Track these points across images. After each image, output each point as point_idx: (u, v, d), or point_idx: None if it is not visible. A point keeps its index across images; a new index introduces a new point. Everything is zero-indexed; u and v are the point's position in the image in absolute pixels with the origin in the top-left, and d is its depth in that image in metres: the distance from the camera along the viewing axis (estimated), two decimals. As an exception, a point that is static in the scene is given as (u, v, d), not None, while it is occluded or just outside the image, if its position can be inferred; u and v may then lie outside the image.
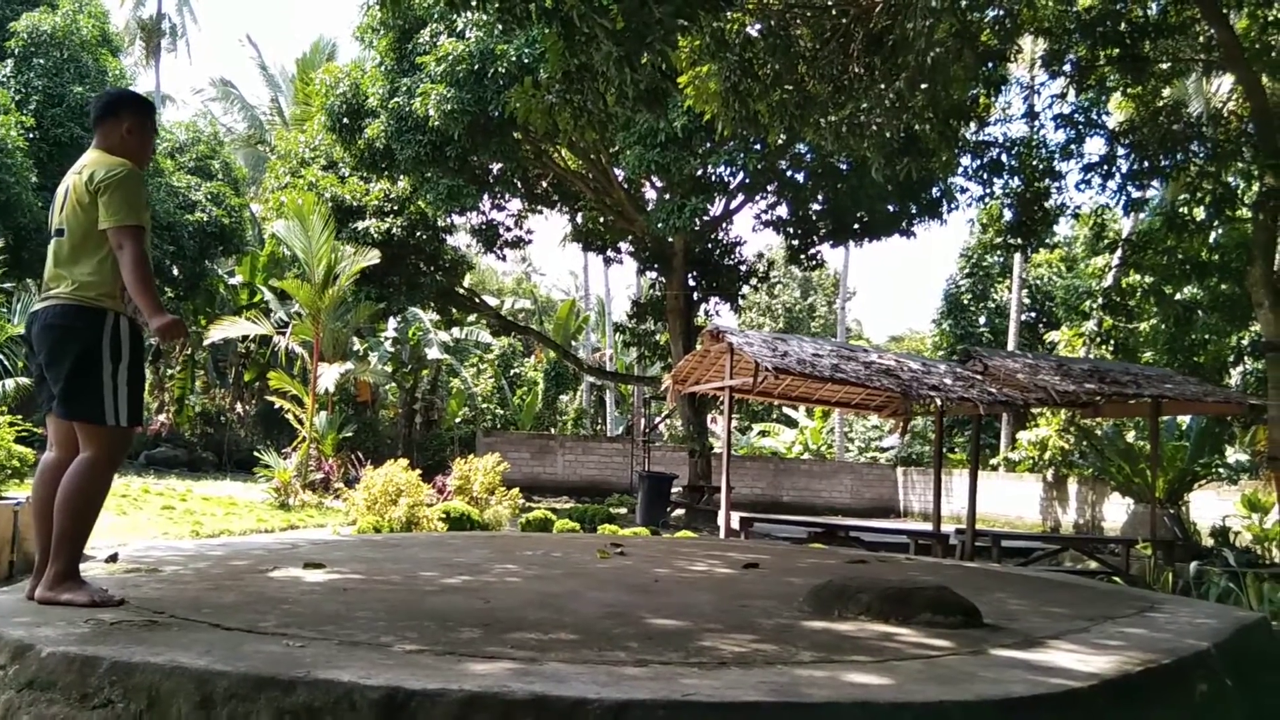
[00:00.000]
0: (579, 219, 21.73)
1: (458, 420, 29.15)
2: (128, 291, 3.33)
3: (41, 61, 20.79)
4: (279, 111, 35.04)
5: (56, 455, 3.40)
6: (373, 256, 17.35)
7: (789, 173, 18.09)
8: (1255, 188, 11.19)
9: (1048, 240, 23.13)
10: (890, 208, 17.78)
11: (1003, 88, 13.11)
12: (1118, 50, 11.27)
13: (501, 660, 2.62)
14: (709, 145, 14.88)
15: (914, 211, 17.89)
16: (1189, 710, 3.02)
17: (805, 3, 8.09)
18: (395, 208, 19.41)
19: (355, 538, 8.59)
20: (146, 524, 11.03)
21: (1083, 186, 13.07)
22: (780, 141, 14.25)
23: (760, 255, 22.60)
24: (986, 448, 25.50)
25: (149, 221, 3.44)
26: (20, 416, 10.07)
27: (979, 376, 12.55)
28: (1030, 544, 14.29)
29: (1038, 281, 30.62)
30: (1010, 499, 22.92)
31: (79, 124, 20.76)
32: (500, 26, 13.80)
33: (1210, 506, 16.33)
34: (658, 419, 27.07)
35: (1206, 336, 16.58)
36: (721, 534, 13.19)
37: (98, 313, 3.31)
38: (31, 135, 19.69)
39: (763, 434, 32.64)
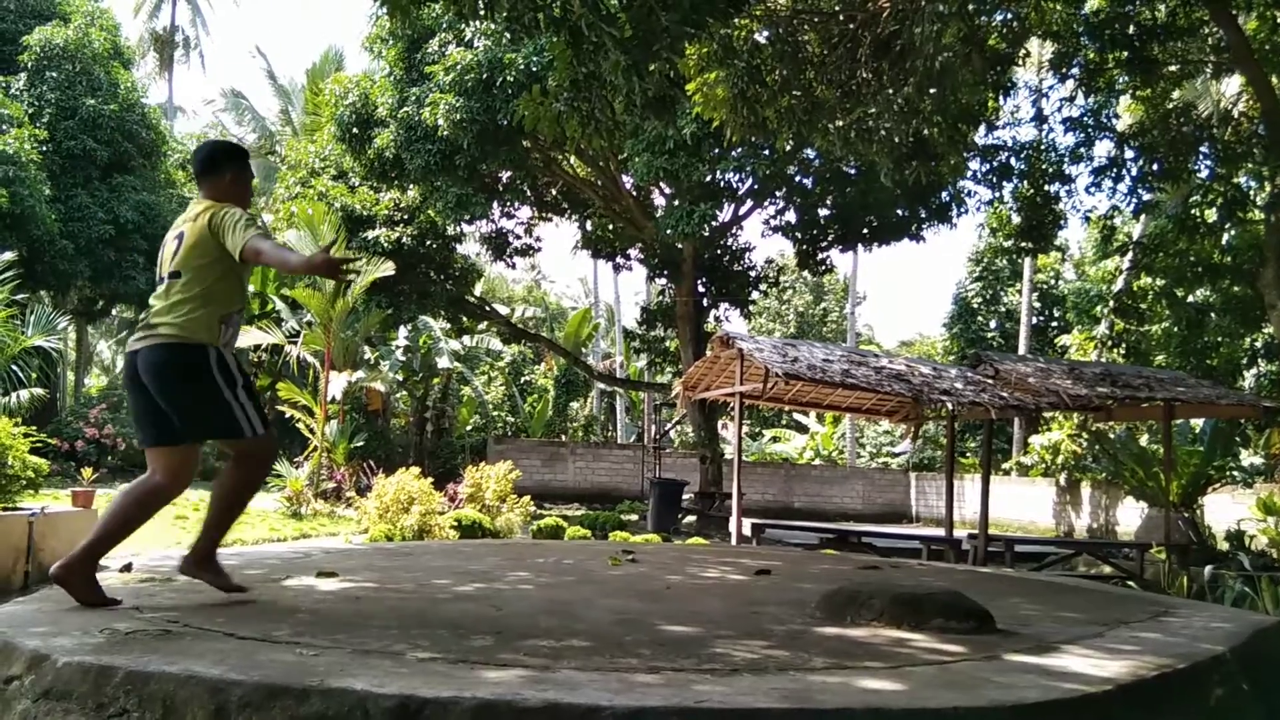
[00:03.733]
0: (588, 226, 21.76)
1: (469, 428, 29.19)
2: (230, 322, 3.70)
3: (54, 75, 20.95)
4: (289, 121, 35.22)
5: (156, 481, 3.67)
6: (387, 267, 17.40)
7: (797, 178, 18.08)
8: (1267, 189, 11.15)
9: (1057, 244, 23.09)
10: (899, 212, 17.76)
11: (1011, 91, 13.09)
12: (1126, 53, 11.26)
13: (514, 668, 2.63)
14: (717, 151, 14.89)
15: (923, 216, 17.86)
16: (1204, 715, 3.00)
17: (813, 9, 8.10)
18: (405, 217, 19.47)
19: (367, 546, 8.62)
20: (160, 534, 11.08)
21: (1092, 190, 13.05)
22: (788, 147, 14.20)
23: (770, 261, 22.60)
24: (999, 452, 25.40)
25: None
26: (34, 427, 10.12)
27: (990, 381, 12.51)
28: (1043, 549, 14.22)
29: (1047, 285, 30.55)
30: (1023, 503, 22.82)
31: (91, 136, 20.90)
32: (508, 35, 13.87)
33: (1225, 510, 16.22)
34: (668, 425, 27.07)
35: (1219, 339, 16.52)
36: (733, 540, 13.18)
37: (199, 348, 3.59)
38: (45, 148, 19.83)
39: (774, 440, 32.59)
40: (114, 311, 28.53)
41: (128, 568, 4.75)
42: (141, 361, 3.59)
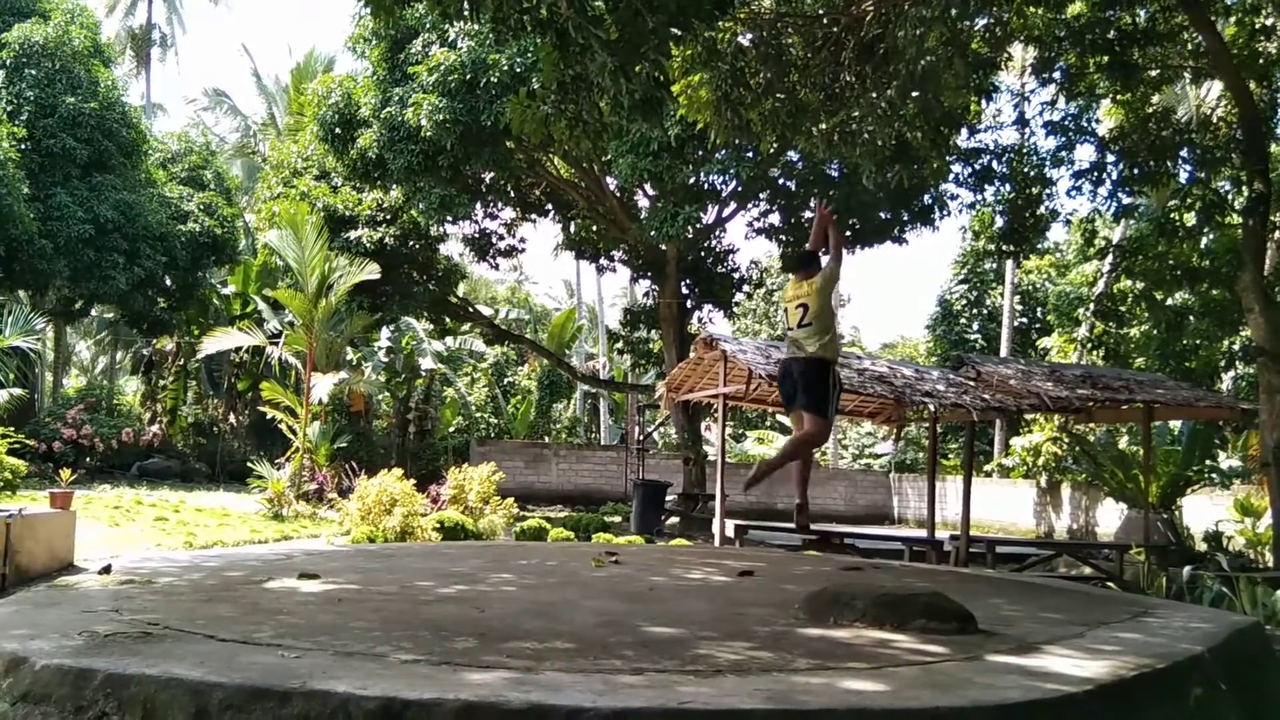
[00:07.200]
0: (572, 227, 21.75)
1: (451, 429, 29.09)
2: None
3: (33, 72, 20.73)
4: (272, 121, 35.00)
5: (799, 432, 6.49)
6: (372, 270, 17.30)
7: (781, 180, 18.12)
8: (1244, 193, 11.24)
9: (1039, 246, 23.22)
10: (882, 215, 17.82)
11: (993, 95, 13.17)
12: (1107, 57, 11.34)
13: (497, 670, 2.62)
14: (701, 154, 14.91)
15: (905, 218, 17.94)
16: (1183, 714, 3.02)
17: (797, 12, 8.12)
18: (388, 217, 19.39)
19: (350, 548, 8.58)
20: (140, 535, 10.99)
21: (1074, 193, 13.13)
22: (772, 150, 14.26)
23: (754, 262, 22.66)
24: (980, 454, 25.53)
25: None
26: (12, 428, 10.02)
27: (972, 383, 12.58)
28: (1024, 550, 14.30)
29: (1033, 288, 30.75)
30: (1004, 505, 22.95)
31: (71, 134, 20.69)
32: (493, 36, 13.83)
33: (1203, 511, 16.36)
34: (652, 427, 27.08)
35: (1198, 342, 16.65)
36: (716, 542, 13.19)
37: (830, 365, 6.43)
38: (23, 146, 19.63)
39: (757, 441, 32.65)
40: (93, 312, 28.24)
41: (107, 569, 4.71)
42: (797, 365, 6.46)
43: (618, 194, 18.97)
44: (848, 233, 18.79)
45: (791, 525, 16.40)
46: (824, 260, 6.65)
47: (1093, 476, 19.56)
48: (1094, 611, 4.39)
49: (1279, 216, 11.53)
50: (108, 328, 32.60)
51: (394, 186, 18.23)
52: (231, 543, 11.07)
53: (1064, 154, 13.48)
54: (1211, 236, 14.41)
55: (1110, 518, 19.75)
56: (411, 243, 19.89)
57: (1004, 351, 26.50)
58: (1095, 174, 12.87)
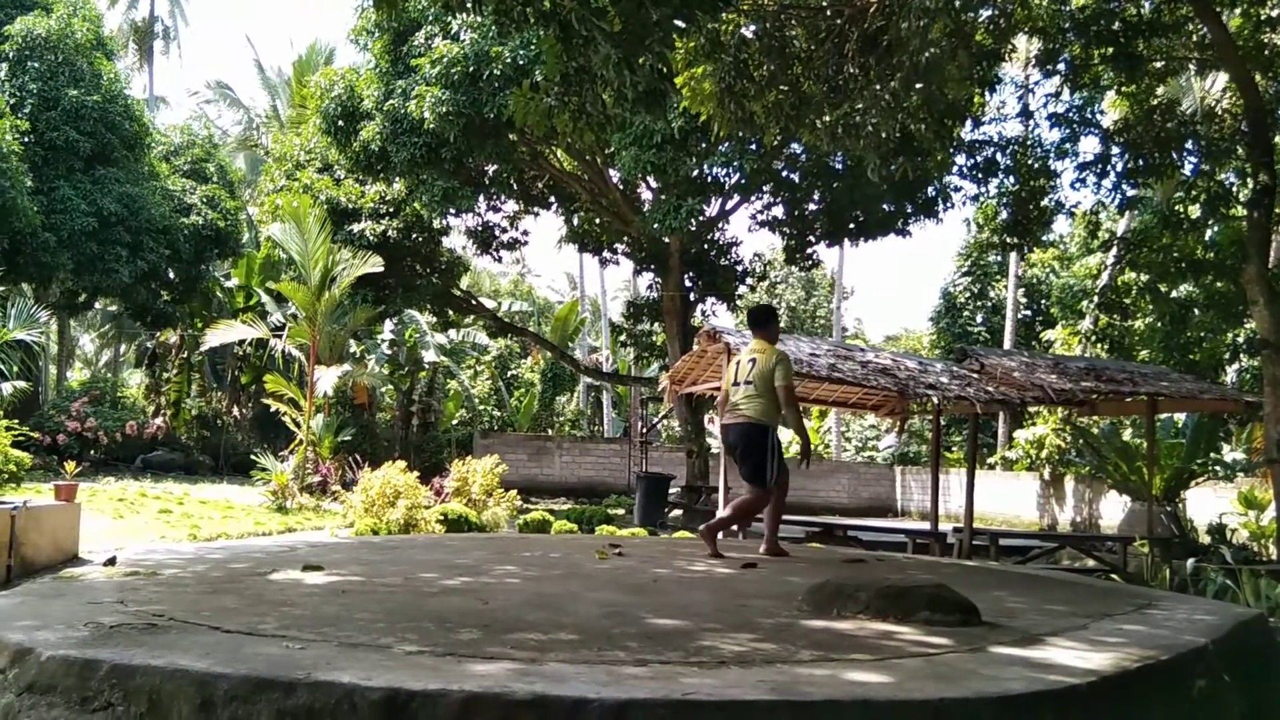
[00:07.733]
0: (575, 220, 21.73)
1: (455, 422, 29.12)
2: (783, 411, 6.37)
3: (36, 65, 20.72)
4: (275, 114, 34.99)
5: (744, 495, 6.69)
6: (375, 263, 17.29)
7: (784, 173, 18.08)
8: (1249, 185, 11.20)
9: (1044, 239, 23.20)
10: (886, 207, 17.78)
11: (997, 87, 13.12)
12: (1112, 49, 11.28)
13: (502, 661, 2.63)
14: (705, 146, 14.87)
15: (909, 211, 17.89)
16: (1187, 706, 3.03)
17: (800, 3, 8.10)
18: (391, 210, 19.38)
19: (353, 540, 8.61)
20: (144, 527, 11.01)
21: (1078, 185, 13.11)
22: (776, 142, 14.24)
23: (757, 255, 22.62)
24: (984, 446, 25.53)
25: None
26: (17, 421, 10.02)
27: (976, 375, 12.56)
28: (1028, 542, 14.30)
29: (1036, 280, 30.71)
30: (1007, 497, 22.96)
31: (74, 127, 20.68)
32: (496, 29, 13.81)
33: (1207, 504, 16.35)
34: (655, 419, 27.08)
35: (1202, 334, 16.61)
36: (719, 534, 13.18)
37: (766, 427, 6.34)
38: (26, 139, 19.62)
39: (760, 434, 32.62)
40: (96, 305, 28.29)
41: (111, 561, 4.73)
42: (735, 429, 6.42)
43: (621, 187, 18.94)
44: (851, 225, 18.78)
45: (794, 518, 16.43)
46: (779, 349, 6.52)
47: (1096, 469, 19.55)
48: (1097, 604, 4.39)
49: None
50: (111, 321, 32.67)
51: (397, 179, 18.21)
52: (236, 535, 11.09)
53: (1068, 146, 13.44)
54: (1216, 229, 14.36)
55: (1114, 510, 19.74)
56: (414, 235, 19.88)
57: (1008, 344, 26.48)
58: (1099, 166, 12.84)
